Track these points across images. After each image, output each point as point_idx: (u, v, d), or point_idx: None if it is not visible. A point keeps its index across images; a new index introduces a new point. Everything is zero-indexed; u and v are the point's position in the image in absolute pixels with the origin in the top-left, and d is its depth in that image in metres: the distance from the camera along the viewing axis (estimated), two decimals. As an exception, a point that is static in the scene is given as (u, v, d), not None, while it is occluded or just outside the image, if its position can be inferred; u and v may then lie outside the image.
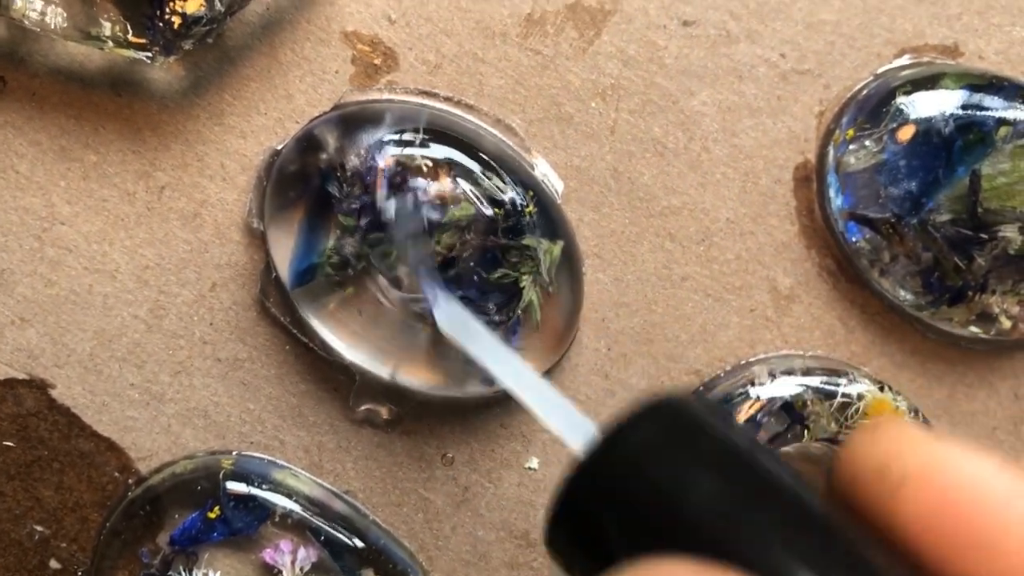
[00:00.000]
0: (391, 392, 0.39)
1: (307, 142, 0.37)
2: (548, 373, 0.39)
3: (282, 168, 0.37)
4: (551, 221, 0.38)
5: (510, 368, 0.30)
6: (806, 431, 0.38)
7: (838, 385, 0.38)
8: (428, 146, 0.37)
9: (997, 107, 0.37)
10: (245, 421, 0.40)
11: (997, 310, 0.39)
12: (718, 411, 0.22)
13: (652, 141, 0.39)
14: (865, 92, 0.39)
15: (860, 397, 0.38)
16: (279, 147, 0.38)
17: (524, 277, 0.37)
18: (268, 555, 0.39)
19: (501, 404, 0.40)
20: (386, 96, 0.38)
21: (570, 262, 0.38)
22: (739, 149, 0.39)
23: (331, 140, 0.37)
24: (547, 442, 0.40)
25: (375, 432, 0.40)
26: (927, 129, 0.37)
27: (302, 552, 0.39)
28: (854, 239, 0.39)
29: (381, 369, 0.38)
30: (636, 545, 0.20)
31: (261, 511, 0.39)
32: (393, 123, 0.37)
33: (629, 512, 0.21)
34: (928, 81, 0.38)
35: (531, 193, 0.37)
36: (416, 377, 0.38)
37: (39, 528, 0.40)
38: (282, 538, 0.39)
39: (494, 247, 0.37)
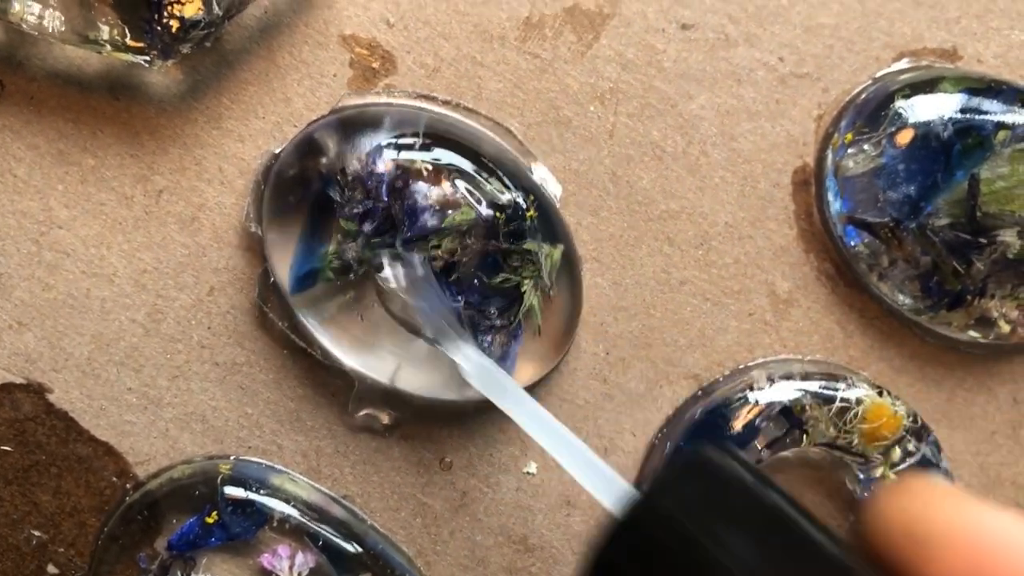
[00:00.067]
0: (390, 397, 0.39)
1: (306, 146, 0.37)
2: (547, 377, 0.39)
3: (280, 172, 0.37)
4: (550, 225, 0.38)
5: (541, 424, 0.30)
6: (805, 436, 0.38)
7: (837, 390, 0.38)
8: (428, 150, 0.37)
9: (996, 111, 0.37)
10: (243, 426, 0.40)
11: (996, 314, 0.39)
12: (752, 467, 0.22)
13: (651, 145, 0.39)
14: (864, 96, 0.39)
15: (859, 401, 0.38)
16: (277, 151, 0.38)
17: (525, 281, 0.37)
18: (266, 560, 0.39)
19: (499, 410, 0.40)
20: (384, 100, 0.38)
21: (569, 266, 0.38)
22: (737, 153, 0.39)
23: (330, 144, 0.37)
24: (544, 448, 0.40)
25: (373, 437, 0.40)
26: (926, 133, 0.37)
27: (300, 557, 0.39)
28: (853, 243, 0.39)
29: (380, 374, 0.38)
30: None
31: (259, 516, 0.39)
32: (392, 127, 0.37)
33: (664, 573, 0.21)
34: (927, 85, 0.38)
35: (531, 197, 0.37)
36: (415, 382, 0.38)
37: (37, 533, 0.40)
38: (280, 543, 0.39)
39: (495, 251, 0.37)
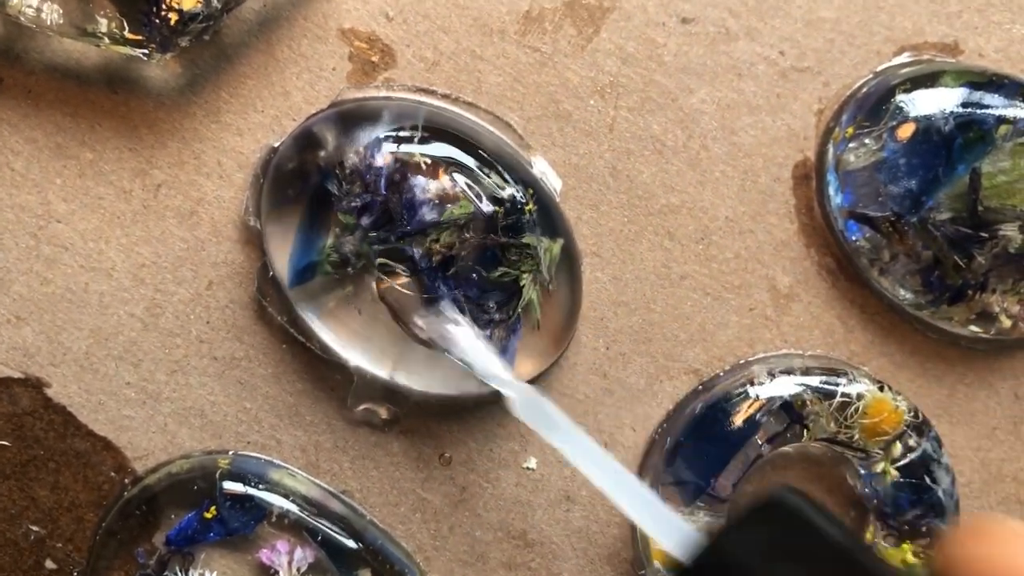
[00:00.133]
0: (389, 392, 0.39)
1: (305, 140, 0.37)
2: (546, 372, 0.39)
3: (279, 166, 0.37)
4: (550, 219, 0.38)
5: (597, 461, 0.29)
6: (805, 431, 0.38)
7: (837, 385, 0.38)
8: (426, 143, 0.37)
9: (997, 105, 0.37)
10: (242, 420, 0.40)
11: (997, 309, 0.38)
12: (820, 510, 0.21)
13: (651, 139, 0.39)
14: (865, 90, 0.39)
15: (859, 397, 0.38)
16: (276, 145, 0.38)
17: (524, 275, 0.37)
18: (265, 555, 0.39)
19: (498, 404, 0.40)
20: (384, 93, 0.38)
21: (569, 260, 0.38)
22: (738, 147, 0.39)
23: (329, 138, 0.37)
24: (545, 442, 0.40)
25: (372, 432, 0.40)
26: (927, 127, 0.37)
27: (299, 552, 0.39)
28: (854, 237, 0.38)
29: (379, 369, 0.38)
30: None
31: (258, 511, 0.39)
32: (391, 120, 0.37)
33: None
34: (928, 79, 0.38)
35: (530, 191, 0.37)
36: (414, 377, 0.38)
37: (35, 528, 0.40)
38: (279, 538, 0.39)
39: (494, 245, 0.37)
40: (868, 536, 0.39)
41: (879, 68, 0.39)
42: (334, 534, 0.39)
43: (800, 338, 0.40)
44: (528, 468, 0.40)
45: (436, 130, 0.37)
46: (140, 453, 0.40)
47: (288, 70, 0.38)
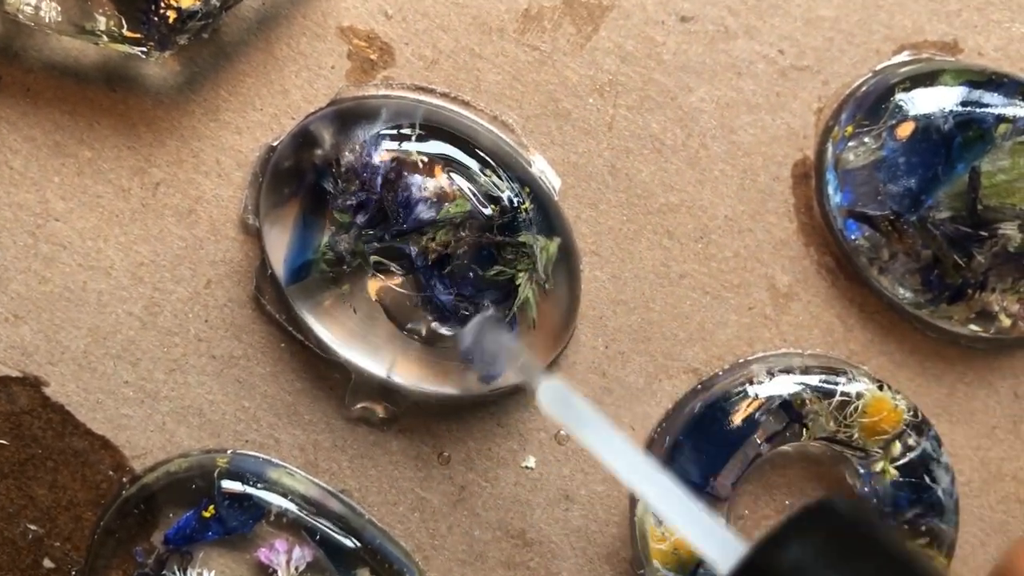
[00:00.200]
0: (387, 390, 0.39)
1: (303, 138, 0.37)
2: (545, 370, 0.39)
3: (278, 164, 0.37)
4: (548, 218, 0.38)
5: (630, 462, 0.27)
6: (805, 430, 0.38)
7: (837, 384, 0.38)
8: (424, 142, 0.37)
9: (997, 104, 0.37)
10: (240, 419, 0.40)
11: (997, 308, 0.38)
12: (868, 517, 0.20)
13: (650, 138, 0.39)
14: (864, 89, 0.39)
15: (859, 396, 0.38)
16: (275, 143, 0.38)
17: (520, 274, 0.37)
18: (263, 554, 0.39)
19: (498, 403, 0.40)
20: (382, 92, 0.38)
21: (568, 259, 0.38)
22: (737, 146, 0.39)
23: (327, 136, 0.37)
24: (544, 441, 0.40)
25: (371, 431, 0.40)
26: (926, 126, 0.37)
27: (297, 551, 0.39)
28: (853, 236, 0.38)
29: (377, 367, 0.38)
30: None
31: (256, 510, 0.39)
32: (389, 119, 0.37)
33: None
34: (927, 78, 0.38)
35: (527, 190, 0.37)
36: (412, 375, 0.38)
37: (33, 527, 0.39)
38: (277, 537, 0.39)
39: (489, 244, 0.37)
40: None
41: (878, 67, 0.39)
42: (332, 533, 0.39)
43: (799, 337, 0.40)
44: (527, 467, 0.40)
45: (434, 128, 0.37)
46: (138, 452, 0.40)
47: (287, 68, 0.38)
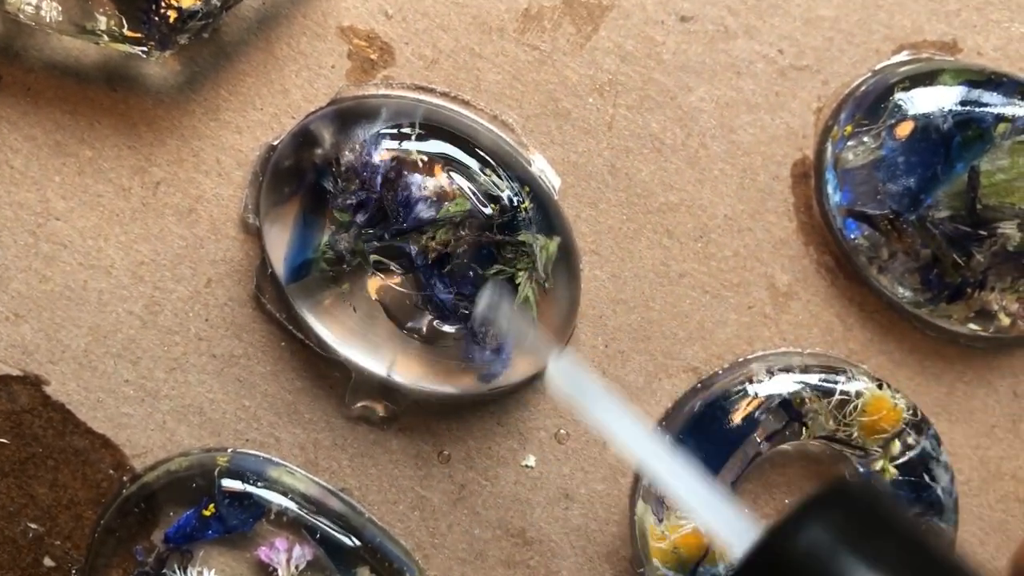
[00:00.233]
0: (387, 389, 0.39)
1: (303, 137, 0.37)
2: (545, 370, 0.39)
3: (278, 163, 0.37)
4: (548, 217, 0.38)
5: (642, 441, 0.26)
6: (804, 429, 0.38)
7: (836, 383, 0.38)
8: (424, 141, 0.37)
9: (996, 103, 0.37)
10: (240, 418, 0.40)
11: (996, 307, 0.38)
12: (883, 498, 0.20)
13: (650, 137, 0.39)
14: (863, 88, 0.39)
15: (858, 395, 0.38)
16: (275, 142, 0.38)
17: (520, 273, 0.37)
18: (263, 553, 0.39)
19: (497, 402, 0.40)
20: (382, 91, 0.38)
21: (567, 258, 0.38)
22: (737, 145, 0.39)
23: (327, 135, 0.37)
24: (544, 440, 0.40)
25: (371, 429, 0.40)
26: (925, 125, 0.37)
27: (297, 550, 0.39)
28: (852, 236, 0.38)
29: (377, 366, 0.38)
30: None
31: (256, 509, 0.39)
32: (389, 118, 0.37)
33: None
34: (926, 77, 0.38)
35: (527, 189, 0.37)
36: (412, 374, 0.38)
37: (33, 526, 0.40)
38: (277, 536, 0.39)
39: (489, 243, 0.37)
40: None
41: (878, 66, 0.39)
42: (333, 532, 0.39)
43: (799, 336, 0.40)
44: (527, 466, 0.40)
45: (434, 128, 0.37)
46: (139, 451, 0.40)
47: (287, 68, 0.38)
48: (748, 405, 0.38)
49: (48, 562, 0.40)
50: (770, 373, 0.39)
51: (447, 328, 0.37)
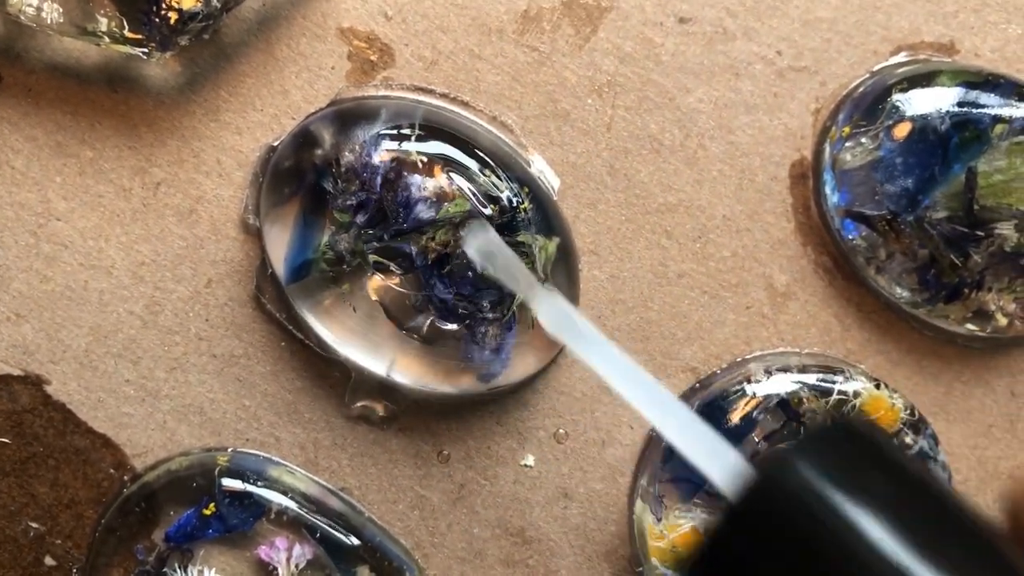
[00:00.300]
0: (387, 389, 0.39)
1: (303, 138, 0.37)
2: (544, 370, 0.39)
3: (278, 164, 0.37)
4: (547, 218, 0.38)
5: (631, 377, 0.26)
6: (802, 428, 0.38)
7: (834, 382, 0.38)
8: (423, 142, 0.37)
9: (993, 104, 0.37)
10: (241, 418, 0.40)
11: (993, 307, 0.39)
12: (880, 436, 0.19)
13: (648, 138, 0.39)
14: (861, 89, 0.39)
15: (856, 394, 0.38)
16: (275, 143, 0.38)
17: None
18: (263, 552, 0.39)
19: (497, 402, 0.40)
20: (382, 92, 0.38)
21: (566, 259, 0.38)
22: (735, 146, 0.39)
23: (327, 136, 0.37)
24: (543, 440, 0.40)
25: (371, 429, 0.40)
26: (923, 126, 0.37)
27: (297, 549, 0.39)
28: (850, 236, 0.39)
29: (377, 366, 0.38)
30: None
31: (256, 508, 0.39)
32: (388, 119, 0.37)
33: (791, 559, 0.18)
34: (924, 78, 0.38)
35: (527, 190, 0.37)
36: (412, 374, 0.38)
37: (34, 525, 0.40)
38: (278, 535, 0.39)
39: (489, 243, 0.37)
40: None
41: (876, 68, 0.39)
42: (333, 531, 0.39)
43: (797, 336, 0.40)
44: (526, 465, 0.40)
45: (434, 129, 0.37)
46: (139, 450, 0.40)
47: (287, 69, 0.38)
48: (746, 405, 0.38)
49: (49, 561, 0.40)
50: (768, 373, 0.39)
51: (448, 326, 0.37)
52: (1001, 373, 0.41)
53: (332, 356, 0.38)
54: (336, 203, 0.36)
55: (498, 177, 0.37)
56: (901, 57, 0.39)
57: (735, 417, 0.38)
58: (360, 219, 0.36)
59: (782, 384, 0.39)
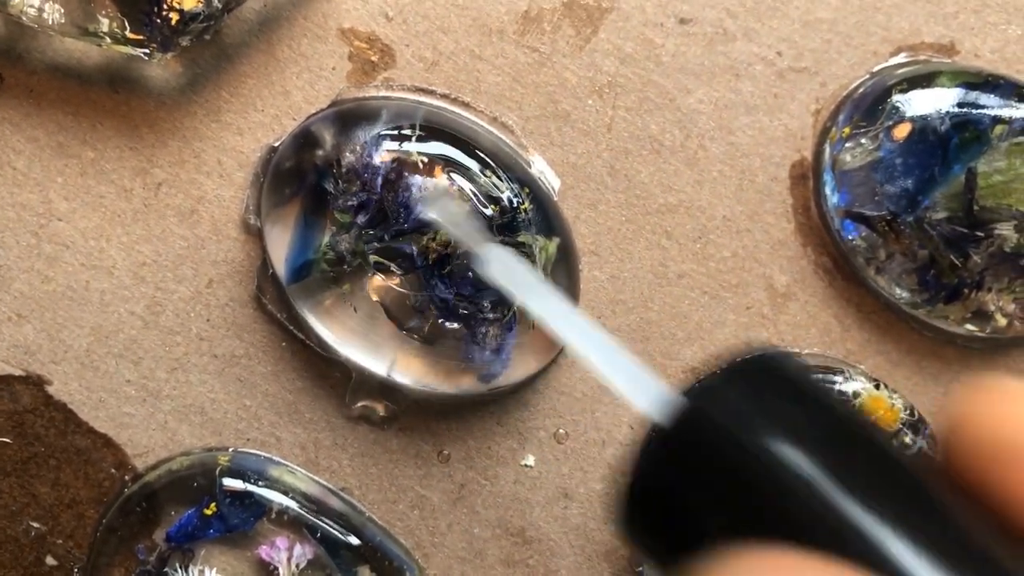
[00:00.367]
0: (387, 389, 0.39)
1: (304, 139, 0.37)
2: (545, 370, 0.39)
3: (279, 165, 0.37)
4: (547, 218, 0.38)
5: (571, 325, 0.26)
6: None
7: (834, 382, 0.38)
8: (424, 143, 0.37)
9: (993, 105, 0.37)
10: (241, 418, 0.40)
11: (993, 308, 0.39)
12: (808, 371, 0.19)
13: (649, 139, 0.39)
14: (861, 90, 0.39)
15: (856, 395, 0.38)
16: (276, 144, 0.38)
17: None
18: (264, 552, 0.39)
19: (497, 402, 0.40)
20: (383, 93, 0.39)
21: (567, 259, 0.38)
22: (736, 147, 0.39)
23: (328, 137, 0.37)
24: (543, 440, 0.40)
25: (371, 429, 0.40)
26: (923, 127, 0.37)
27: (298, 549, 0.39)
28: (850, 237, 0.39)
29: (377, 366, 0.38)
30: (731, 527, 0.18)
31: (257, 508, 0.39)
32: (389, 120, 0.37)
33: (719, 489, 0.18)
34: (924, 79, 0.38)
35: (527, 190, 0.38)
36: (412, 374, 0.38)
37: (35, 524, 0.40)
38: (278, 535, 0.39)
39: (489, 243, 0.37)
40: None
41: (876, 68, 0.39)
42: (333, 531, 0.39)
43: (797, 336, 0.40)
44: (526, 465, 0.40)
45: (434, 129, 0.37)
46: (140, 450, 0.40)
47: (288, 70, 0.39)
48: (746, 405, 0.38)
49: (50, 561, 0.40)
50: (768, 373, 0.39)
51: (449, 325, 0.37)
52: (1000, 374, 0.41)
53: (333, 356, 0.38)
54: (337, 203, 0.36)
55: (499, 178, 0.37)
56: (901, 58, 0.39)
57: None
58: (361, 219, 0.36)
59: (782, 384, 0.39)
